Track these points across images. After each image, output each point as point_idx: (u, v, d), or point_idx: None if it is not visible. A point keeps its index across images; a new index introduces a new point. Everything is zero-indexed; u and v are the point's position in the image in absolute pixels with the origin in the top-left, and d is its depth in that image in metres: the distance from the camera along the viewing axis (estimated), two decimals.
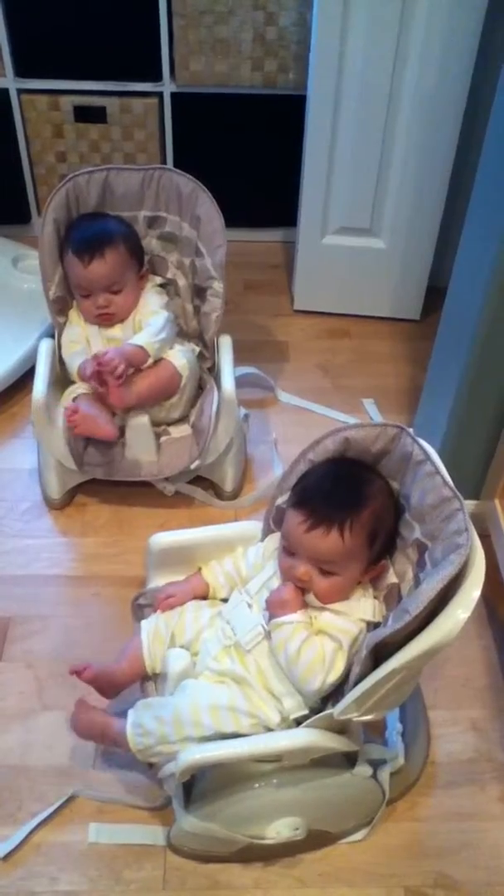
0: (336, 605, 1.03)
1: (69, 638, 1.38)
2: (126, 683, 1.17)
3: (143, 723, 1.05)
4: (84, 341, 1.52)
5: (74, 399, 1.46)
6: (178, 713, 1.03)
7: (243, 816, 1.07)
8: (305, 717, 1.02)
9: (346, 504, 1.01)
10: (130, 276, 1.51)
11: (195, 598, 1.18)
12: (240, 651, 1.07)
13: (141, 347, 1.44)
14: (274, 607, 1.04)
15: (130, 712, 1.08)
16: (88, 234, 1.47)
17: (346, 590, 1.04)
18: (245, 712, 1.03)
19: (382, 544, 1.04)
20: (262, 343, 1.98)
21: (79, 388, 1.49)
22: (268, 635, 1.06)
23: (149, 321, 1.49)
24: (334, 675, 1.00)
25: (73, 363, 1.50)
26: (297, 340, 2.01)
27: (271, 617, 1.04)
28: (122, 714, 1.09)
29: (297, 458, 1.10)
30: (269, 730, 1.03)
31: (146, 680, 1.16)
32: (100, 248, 1.45)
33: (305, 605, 1.04)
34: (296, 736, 1.01)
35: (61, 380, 1.54)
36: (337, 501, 1.02)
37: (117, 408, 1.45)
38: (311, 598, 1.04)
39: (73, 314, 1.55)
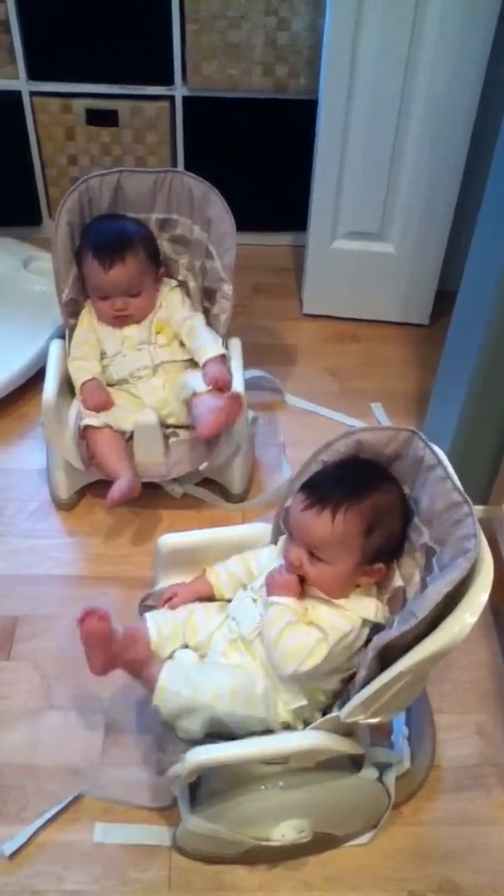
0: (335, 600, 1.03)
1: (76, 638, 1.36)
2: (119, 660, 1.10)
3: (170, 686, 1.02)
4: (93, 344, 1.53)
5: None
6: (202, 681, 1.02)
7: (249, 818, 1.07)
8: (312, 720, 1.03)
9: (347, 490, 1.01)
10: (148, 279, 1.52)
11: (199, 598, 1.18)
12: (245, 642, 1.07)
13: (223, 357, 1.49)
14: (271, 586, 1.05)
15: (164, 667, 1.05)
16: (109, 238, 1.47)
17: (338, 583, 1.03)
18: (261, 695, 1.03)
19: (381, 544, 1.02)
20: (271, 346, 1.98)
21: (90, 416, 1.47)
22: None
23: (192, 327, 1.52)
24: (310, 663, 0.99)
25: (78, 377, 1.51)
26: (306, 344, 2.01)
27: (268, 595, 1.05)
28: None
29: (309, 460, 1.10)
30: (278, 722, 1.04)
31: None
32: (120, 254, 1.46)
33: (303, 595, 1.04)
34: (302, 738, 1.01)
35: (71, 382, 1.55)
36: (340, 487, 1.02)
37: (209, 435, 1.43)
38: (314, 590, 1.04)
39: (84, 316, 1.55)
